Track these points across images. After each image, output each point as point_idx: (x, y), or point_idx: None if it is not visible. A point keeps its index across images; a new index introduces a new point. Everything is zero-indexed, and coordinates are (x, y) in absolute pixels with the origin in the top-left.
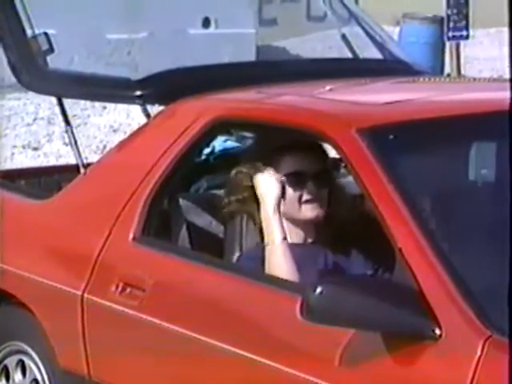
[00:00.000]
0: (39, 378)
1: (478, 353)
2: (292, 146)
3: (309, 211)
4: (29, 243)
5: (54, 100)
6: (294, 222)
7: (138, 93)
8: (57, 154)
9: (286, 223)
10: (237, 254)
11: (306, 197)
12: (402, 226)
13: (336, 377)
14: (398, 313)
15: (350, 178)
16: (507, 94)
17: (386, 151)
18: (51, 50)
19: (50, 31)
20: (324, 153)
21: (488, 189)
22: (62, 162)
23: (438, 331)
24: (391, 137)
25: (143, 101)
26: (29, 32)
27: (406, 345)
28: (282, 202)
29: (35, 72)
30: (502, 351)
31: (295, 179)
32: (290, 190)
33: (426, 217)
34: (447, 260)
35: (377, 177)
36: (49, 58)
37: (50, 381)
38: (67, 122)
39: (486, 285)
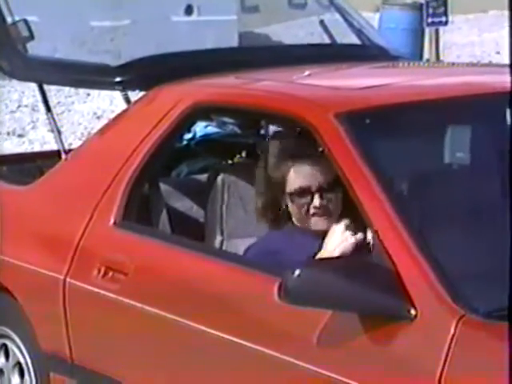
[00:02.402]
0: (22, 361)
1: (452, 332)
2: (298, 156)
3: (317, 224)
4: (10, 228)
5: (36, 87)
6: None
7: (118, 79)
8: (42, 140)
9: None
10: (218, 238)
11: (312, 210)
12: (378, 208)
13: (314, 357)
14: (374, 294)
15: None
16: (483, 79)
17: (363, 135)
18: (31, 36)
19: (33, 18)
20: None
21: (463, 172)
22: (46, 148)
23: (413, 312)
24: (368, 121)
25: (123, 87)
26: (8, 19)
27: (382, 325)
28: (294, 212)
29: (15, 59)
30: (474, 330)
31: (299, 195)
32: (295, 206)
33: (402, 200)
34: (422, 242)
35: (354, 160)
36: (31, 45)
37: (32, 364)
38: (48, 108)
39: (460, 266)
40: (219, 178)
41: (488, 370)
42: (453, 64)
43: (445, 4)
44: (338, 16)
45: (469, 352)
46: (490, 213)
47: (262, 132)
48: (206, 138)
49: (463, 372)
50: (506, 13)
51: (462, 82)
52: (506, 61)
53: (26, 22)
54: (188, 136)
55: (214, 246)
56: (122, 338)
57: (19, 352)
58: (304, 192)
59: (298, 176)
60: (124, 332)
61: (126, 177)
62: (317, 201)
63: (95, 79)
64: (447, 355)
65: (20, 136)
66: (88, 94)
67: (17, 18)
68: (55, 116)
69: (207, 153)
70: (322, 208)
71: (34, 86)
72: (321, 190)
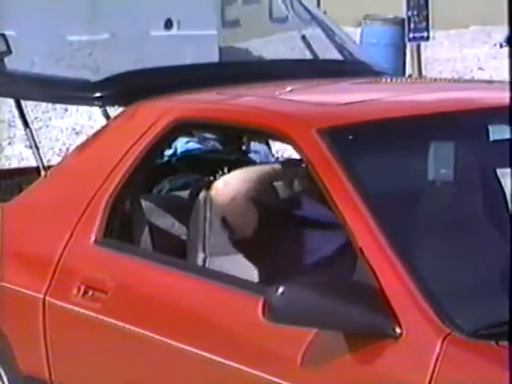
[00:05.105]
0: None
1: (437, 350)
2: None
3: None
4: None
5: (13, 102)
6: None
7: (98, 94)
8: (19, 156)
9: None
10: (201, 256)
11: None
12: (362, 225)
13: (298, 377)
14: (358, 312)
15: None
16: (467, 95)
17: (345, 151)
18: (9, 51)
19: (10, 33)
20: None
21: (447, 188)
22: (24, 164)
23: (398, 330)
24: (351, 137)
25: (102, 102)
26: None
27: (367, 344)
28: None
29: None
30: (460, 348)
31: None
32: None
33: (386, 216)
34: (407, 259)
35: (336, 176)
36: (8, 60)
37: None
38: (26, 124)
39: (446, 283)
40: (201, 195)
41: None
42: (435, 80)
43: (426, 19)
44: (319, 31)
45: (454, 371)
46: (475, 229)
47: (244, 148)
48: (188, 154)
49: None
50: (487, 28)
51: (445, 98)
52: (488, 77)
53: (3, 36)
54: (169, 152)
55: (196, 264)
56: (102, 358)
57: None
58: None
59: None
60: (105, 352)
61: (106, 194)
62: None
63: (74, 95)
64: (432, 374)
65: None
66: (66, 110)
67: None
68: (34, 132)
69: (189, 169)
70: None
71: (10, 100)
72: None
